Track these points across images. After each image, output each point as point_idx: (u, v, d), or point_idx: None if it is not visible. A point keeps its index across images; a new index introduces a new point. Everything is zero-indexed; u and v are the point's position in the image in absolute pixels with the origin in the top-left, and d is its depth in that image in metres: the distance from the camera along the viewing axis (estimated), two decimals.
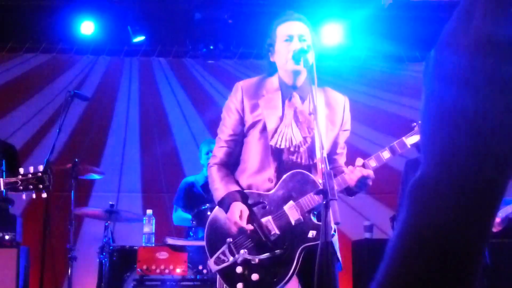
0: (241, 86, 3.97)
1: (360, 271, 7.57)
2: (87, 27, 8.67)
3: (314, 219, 3.67)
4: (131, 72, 9.55)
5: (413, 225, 1.43)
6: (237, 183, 3.91)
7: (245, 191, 3.86)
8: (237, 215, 3.69)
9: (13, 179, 3.50)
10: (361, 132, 8.39)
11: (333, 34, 8.73)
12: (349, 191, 3.76)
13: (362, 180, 3.62)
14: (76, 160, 7.19)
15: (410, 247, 1.42)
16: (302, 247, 3.63)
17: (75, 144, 8.95)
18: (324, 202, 3.20)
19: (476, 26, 1.32)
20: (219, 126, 4.05)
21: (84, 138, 9.12)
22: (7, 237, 6.78)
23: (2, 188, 3.49)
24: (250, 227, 3.70)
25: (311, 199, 3.66)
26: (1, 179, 3.49)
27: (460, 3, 1.42)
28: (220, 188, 3.86)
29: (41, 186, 3.55)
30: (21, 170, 3.52)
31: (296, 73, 3.87)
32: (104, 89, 9.37)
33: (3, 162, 7.33)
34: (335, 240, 3.73)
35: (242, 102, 3.90)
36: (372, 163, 3.66)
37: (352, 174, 3.62)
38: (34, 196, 3.60)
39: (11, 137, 8.26)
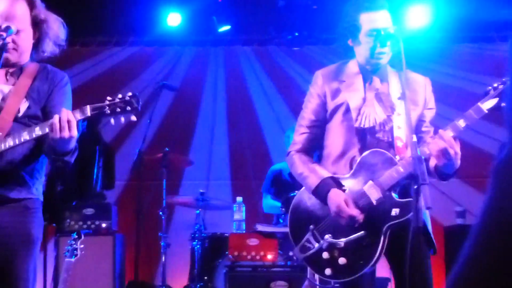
0: (321, 74, 3.95)
1: (453, 257, 7.41)
2: (173, 19, 8.78)
3: (395, 197, 3.62)
4: (217, 62, 9.65)
5: (494, 209, 1.37)
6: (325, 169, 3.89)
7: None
8: (343, 205, 3.64)
9: (99, 104, 3.39)
10: (449, 114, 8.19)
11: (420, 16, 8.61)
12: (439, 172, 3.68)
13: (443, 152, 3.52)
14: (167, 149, 7.34)
15: (490, 232, 1.37)
16: (386, 226, 3.58)
17: (165, 134, 9.12)
18: (415, 187, 3.17)
19: None
20: (300, 114, 4.02)
21: (173, 128, 9.28)
22: (103, 225, 6.99)
23: (89, 114, 3.36)
24: (360, 216, 3.64)
25: (390, 176, 3.60)
26: (88, 105, 3.40)
27: None
28: (310, 176, 3.81)
29: (129, 108, 3.38)
30: (109, 97, 3.43)
31: (377, 66, 3.86)
32: (191, 79, 9.49)
33: (101, 160, 7.56)
34: (428, 222, 3.67)
35: (323, 87, 3.89)
36: (449, 133, 3.55)
37: (431, 145, 3.54)
38: (122, 120, 3.44)
39: (103, 130, 8.48)
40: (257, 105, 9.52)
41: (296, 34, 8.81)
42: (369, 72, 3.87)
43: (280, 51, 9.58)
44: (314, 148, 3.97)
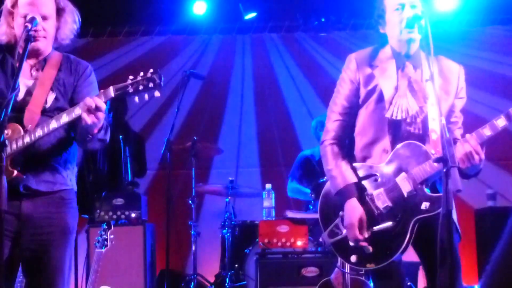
0: (354, 58, 3.88)
1: (484, 240, 7.40)
2: (199, 7, 8.78)
3: (427, 191, 3.58)
4: (244, 49, 9.63)
5: None
6: (352, 157, 3.85)
7: (357, 163, 3.81)
8: (355, 225, 3.63)
9: (122, 84, 3.41)
10: (479, 98, 8.16)
11: None
12: (460, 173, 3.61)
13: (468, 156, 3.49)
14: (195, 138, 7.35)
15: None
16: (415, 219, 3.56)
17: (193, 123, 9.13)
18: (445, 170, 3.13)
19: None
20: (332, 99, 3.94)
21: (202, 117, 9.29)
22: (133, 215, 7.01)
23: (112, 95, 3.38)
24: (364, 243, 3.63)
25: (424, 170, 3.57)
26: (111, 86, 3.43)
27: None
28: (337, 176, 3.77)
29: (151, 84, 3.40)
30: (131, 76, 3.45)
31: (410, 42, 3.77)
32: (219, 67, 9.49)
33: (127, 151, 7.60)
34: (453, 210, 3.62)
35: (357, 72, 3.83)
36: (487, 131, 3.50)
37: (457, 147, 3.49)
38: (146, 97, 3.46)
39: (131, 119, 8.50)
40: (285, 92, 9.49)
41: (323, 19, 8.77)
42: (402, 57, 3.80)
43: (308, 37, 9.55)
44: (348, 135, 3.91)
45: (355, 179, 3.73)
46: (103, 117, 3.41)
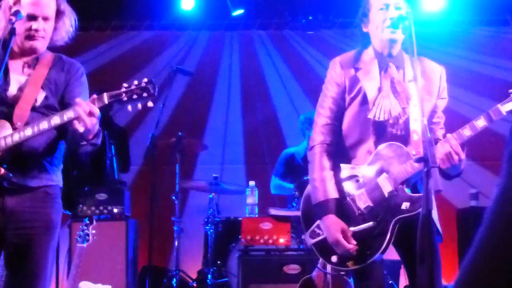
0: (339, 61, 3.89)
1: (466, 240, 7.43)
2: (187, 3, 8.77)
3: (407, 191, 3.61)
4: (232, 46, 9.63)
5: (506, 196, 1.36)
6: (338, 158, 3.84)
7: (341, 164, 3.82)
8: (341, 239, 3.63)
9: (116, 92, 3.44)
10: (464, 97, 8.19)
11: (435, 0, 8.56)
12: (442, 173, 3.63)
13: (448, 156, 3.51)
14: (180, 134, 7.33)
15: (502, 220, 1.36)
16: (396, 219, 3.59)
17: (178, 118, 9.12)
18: (425, 170, 3.15)
19: None
20: (319, 104, 3.94)
21: (187, 112, 9.28)
22: (116, 210, 6.99)
23: (106, 102, 3.40)
24: (354, 248, 3.64)
25: (405, 170, 3.60)
26: (105, 93, 3.44)
27: None
28: (319, 188, 3.76)
29: (145, 94, 3.42)
30: (125, 84, 3.48)
31: (392, 42, 3.78)
32: (206, 63, 9.48)
33: (112, 148, 7.58)
34: (434, 211, 3.63)
35: (342, 76, 3.83)
36: (467, 132, 3.52)
37: (437, 148, 3.52)
38: (139, 106, 3.47)
39: (117, 114, 8.48)
40: (271, 89, 9.49)
41: (310, 18, 8.78)
42: (384, 58, 3.82)
43: (296, 35, 9.56)
44: (336, 138, 3.89)
45: (335, 195, 3.73)
46: (97, 123, 3.44)
